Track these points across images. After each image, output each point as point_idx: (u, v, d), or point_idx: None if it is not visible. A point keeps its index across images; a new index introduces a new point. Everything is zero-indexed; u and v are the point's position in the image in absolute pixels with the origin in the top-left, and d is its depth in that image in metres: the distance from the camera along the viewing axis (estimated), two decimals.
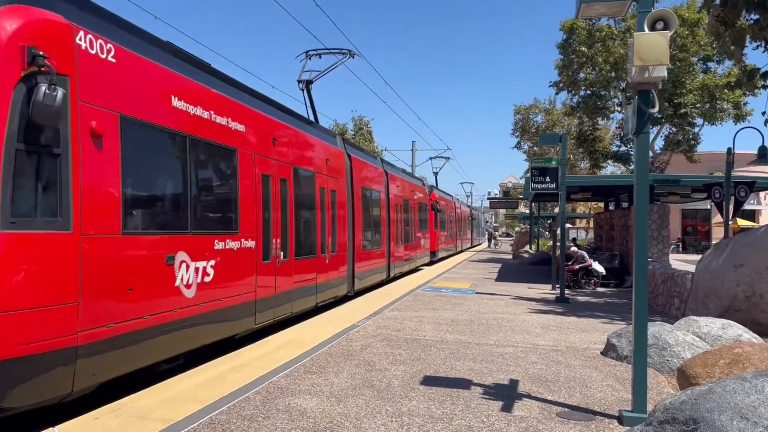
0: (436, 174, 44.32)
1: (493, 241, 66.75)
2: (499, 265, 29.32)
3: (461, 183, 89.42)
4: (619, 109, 28.10)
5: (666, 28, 5.42)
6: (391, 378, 7.00)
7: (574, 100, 29.21)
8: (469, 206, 58.68)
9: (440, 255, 32.35)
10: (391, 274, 20.22)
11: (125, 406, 5.79)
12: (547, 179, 15.56)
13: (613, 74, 25.75)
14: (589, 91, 27.57)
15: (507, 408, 5.95)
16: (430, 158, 44.55)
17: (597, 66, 25.95)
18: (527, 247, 39.88)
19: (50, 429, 5.10)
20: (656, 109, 5.59)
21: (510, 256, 39.18)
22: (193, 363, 7.81)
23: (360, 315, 11.75)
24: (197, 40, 29.05)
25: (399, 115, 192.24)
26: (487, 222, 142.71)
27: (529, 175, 51.56)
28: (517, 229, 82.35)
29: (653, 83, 5.49)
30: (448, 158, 44.65)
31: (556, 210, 51.73)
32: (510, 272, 24.96)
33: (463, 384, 6.83)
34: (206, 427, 5.21)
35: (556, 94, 30.04)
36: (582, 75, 27.37)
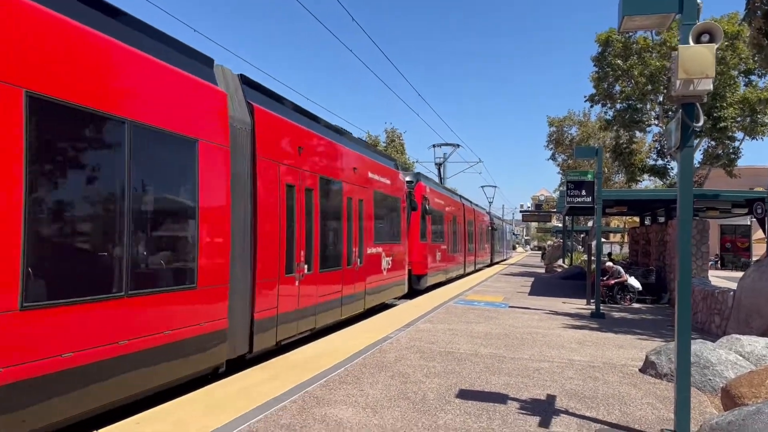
0: (439, 165, 35.62)
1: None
2: (532, 279, 28.98)
3: (482, 186, 73.83)
4: (656, 122, 27.66)
5: (712, 40, 5.34)
6: (426, 390, 6.97)
7: (610, 114, 28.86)
8: (489, 213, 47.29)
9: (433, 279, 22.25)
10: (262, 345, 9.04)
11: (164, 412, 5.88)
12: (583, 192, 15.36)
13: (649, 87, 25.41)
14: (625, 104, 27.20)
15: (545, 424, 5.87)
16: (433, 145, 36.23)
17: (633, 79, 25.63)
18: (560, 261, 39.34)
19: None
20: (701, 123, 5.50)
21: (543, 270, 38.71)
22: (228, 372, 7.89)
23: (390, 328, 11.74)
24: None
25: (431, 126, 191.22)
26: (517, 235, 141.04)
27: (563, 188, 51.00)
28: (549, 242, 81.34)
29: (698, 96, 5.41)
30: (458, 146, 36.45)
31: (590, 224, 51.00)
32: (543, 286, 24.65)
33: (499, 398, 6.76)
34: None
35: (591, 107, 29.68)
36: (617, 88, 27.07)
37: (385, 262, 15.86)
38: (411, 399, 6.59)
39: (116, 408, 6.18)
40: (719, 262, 43.22)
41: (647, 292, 18.97)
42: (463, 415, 6.04)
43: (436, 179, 34.03)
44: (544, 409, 6.40)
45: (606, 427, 5.86)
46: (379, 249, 15.21)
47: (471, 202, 36.28)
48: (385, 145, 49.74)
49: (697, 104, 5.50)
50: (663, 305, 18.43)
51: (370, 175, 14.62)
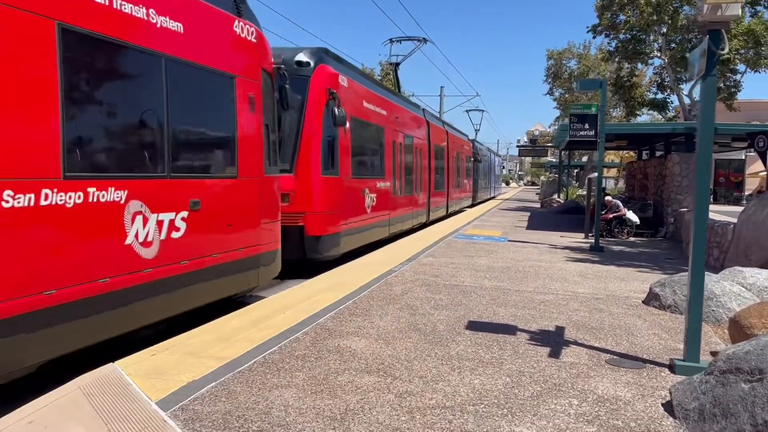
0: (395, 66, 26.52)
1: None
2: (528, 214, 29.11)
3: (467, 111, 49.89)
4: (658, 54, 27.09)
5: None
6: (435, 322, 7.03)
7: (612, 45, 28.23)
8: (474, 141, 37.88)
9: (354, 241, 13.21)
10: None
11: (179, 344, 5.90)
12: (586, 126, 15.17)
13: (654, 17, 24.71)
14: (628, 35, 26.54)
15: (555, 354, 5.95)
16: (390, 40, 26.44)
17: (638, 8, 24.91)
18: (555, 196, 39.48)
19: (110, 364, 5.23)
20: (726, 50, 5.32)
21: (538, 205, 38.89)
22: (238, 305, 7.93)
23: (394, 261, 11.79)
24: None
25: (427, 56, 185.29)
26: (510, 171, 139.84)
27: (559, 122, 50.38)
28: (543, 178, 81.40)
29: (726, 22, 5.20)
30: (424, 40, 26.26)
31: (584, 159, 50.87)
32: (540, 221, 24.78)
33: (508, 330, 6.83)
34: (261, 365, 5.30)
35: (594, 37, 28.93)
36: (622, 17, 26.33)
37: (149, 226, 6.28)
38: (422, 330, 6.65)
39: (130, 339, 6.22)
40: (713, 196, 43.41)
41: (645, 226, 19.11)
42: (474, 346, 6.11)
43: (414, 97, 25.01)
44: (553, 339, 6.48)
45: (615, 356, 5.94)
46: (118, 195, 5.85)
47: (444, 122, 27.97)
48: (380, 77, 48.75)
49: (723, 30, 5.31)
50: (660, 239, 18.60)
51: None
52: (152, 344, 5.87)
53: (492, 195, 49.93)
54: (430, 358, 5.67)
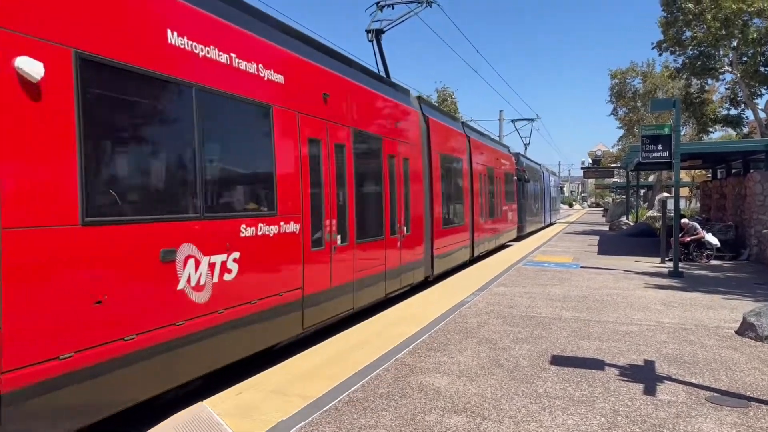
0: (377, 33, 15.18)
1: None
2: (597, 237, 28.25)
3: (513, 120, 42.51)
4: (729, 68, 26.03)
5: None
6: (517, 357, 6.84)
7: (679, 62, 27.31)
8: (519, 155, 29.33)
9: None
10: None
11: (261, 382, 5.95)
12: (659, 147, 14.63)
13: (723, 32, 23.79)
14: (696, 51, 25.64)
15: (650, 391, 5.66)
16: (377, 4, 15.58)
17: (705, 23, 24.05)
18: (624, 218, 38.23)
19: (199, 403, 5.32)
20: None
21: (606, 228, 37.73)
22: (313, 340, 7.95)
23: (467, 290, 11.62)
24: None
25: (487, 81, 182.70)
26: (572, 192, 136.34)
27: (623, 142, 48.92)
28: (607, 199, 79.16)
29: None
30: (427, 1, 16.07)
31: (651, 178, 49.09)
32: (610, 244, 23.98)
33: (595, 364, 6.57)
34: (346, 404, 5.27)
35: (659, 54, 28.02)
36: (688, 33, 25.49)
37: None
38: (504, 366, 6.47)
39: (216, 376, 6.31)
40: None
41: (725, 249, 18.19)
42: (562, 383, 5.89)
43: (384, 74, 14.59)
44: (644, 375, 6.18)
45: (716, 394, 5.60)
46: None
47: (465, 123, 19.32)
48: (437, 103, 48.85)
49: None
50: (742, 262, 17.65)
51: None
52: (239, 382, 5.94)
53: (548, 222, 40.09)
54: (517, 396, 5.50)
